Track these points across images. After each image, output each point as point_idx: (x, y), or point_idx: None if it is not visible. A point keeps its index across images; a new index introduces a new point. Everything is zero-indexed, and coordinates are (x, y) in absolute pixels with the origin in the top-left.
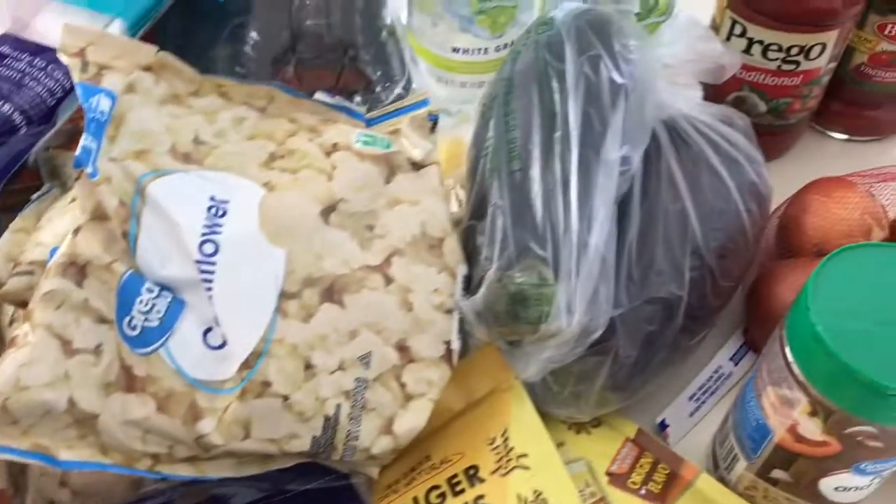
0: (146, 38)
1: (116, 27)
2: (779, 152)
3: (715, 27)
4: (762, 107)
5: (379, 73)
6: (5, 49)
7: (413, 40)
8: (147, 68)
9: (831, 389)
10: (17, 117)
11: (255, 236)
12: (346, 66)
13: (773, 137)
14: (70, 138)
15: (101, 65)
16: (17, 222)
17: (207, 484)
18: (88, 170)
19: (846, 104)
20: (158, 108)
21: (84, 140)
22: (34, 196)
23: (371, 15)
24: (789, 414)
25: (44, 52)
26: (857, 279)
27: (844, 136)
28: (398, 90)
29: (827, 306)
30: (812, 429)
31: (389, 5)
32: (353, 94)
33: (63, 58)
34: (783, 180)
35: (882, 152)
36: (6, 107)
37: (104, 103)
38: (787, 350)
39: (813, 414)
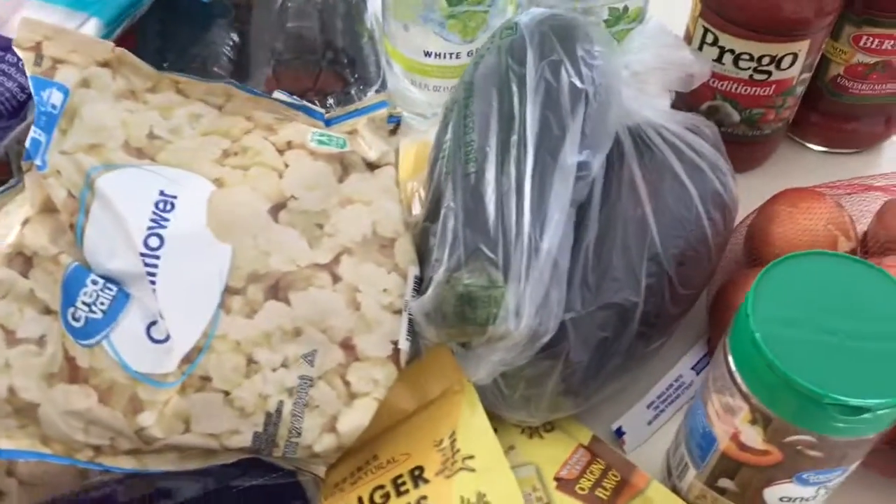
0: (124, 38)
1: (92, 26)
2: (755, 163)
3: (688, 36)
4: (735, 116)
5: (356, 76)
6: None
7: (388, 44)
8: (104, 64)
9: (769, 398)
10: None
11: (201, 231)
12: (325, 68)
13: (749, 148)
14: None
15: (55, 59)
16: None
17: (151, 477)
18: (37, 162)
19: (824, 116)
20: (114, 104)
21: (33, 132)
22: (0, 188)
23: (351, 19)
24: (732, 422)
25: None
26: (800, 288)
27: (823, 149)
28: (371, 93)
29: (767, 314)
30: (753, 437)
31: (370, 10)
32: (328, 96)
33: (18, 51)
34: (760, 191)
35: (861, 165)
36: None
37: (56, 97)
38: (730, 358)
39: (753, 422)
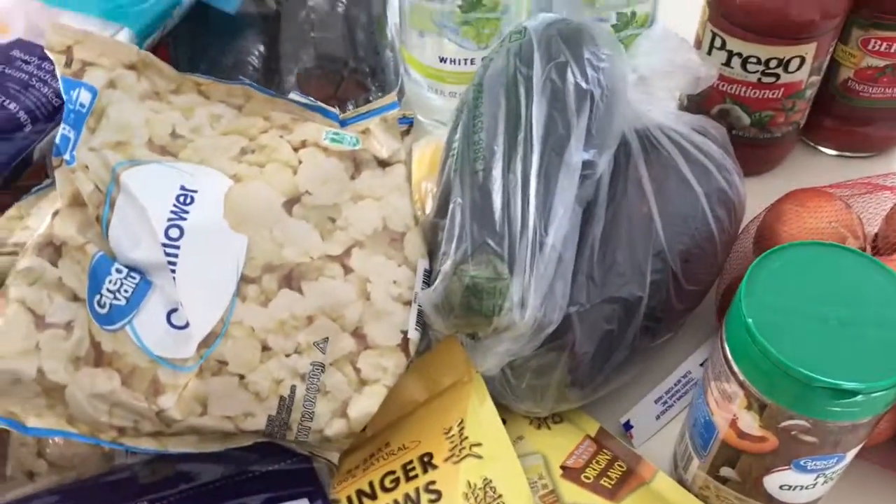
0: (157, 48)
1: (124, 36)
2: (768, 166)
3: (698, 41)
4: (745, 119)
5: (376, 84)
6: (16, 53)
7: (404, 51)
8: (130, 66)
9: (764, 383)
10: (23, 116)
11: (219, 223)
12: (347, 77)
13: (761, 150)
14: None
15: (84, 61)
16: (13, 210)
17: (172, 459)
18: (66, 157)
19: (836, 120)
20: (139, 104)
21: (63, 129)
22: (35, 188)
23: (373, 30)
24: (730, 408)
25: None
26: (793, 276)
27: (836, 152)
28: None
29: (761, 301)
30: (750, 423)
31: (391, 21)
32: (347, 102)
33: (50, 54)
34: (773, 194)
35: (874, 168)
36: (12, 105)
37: (84, 96)
38: (726, 345)
39: (749, 408)
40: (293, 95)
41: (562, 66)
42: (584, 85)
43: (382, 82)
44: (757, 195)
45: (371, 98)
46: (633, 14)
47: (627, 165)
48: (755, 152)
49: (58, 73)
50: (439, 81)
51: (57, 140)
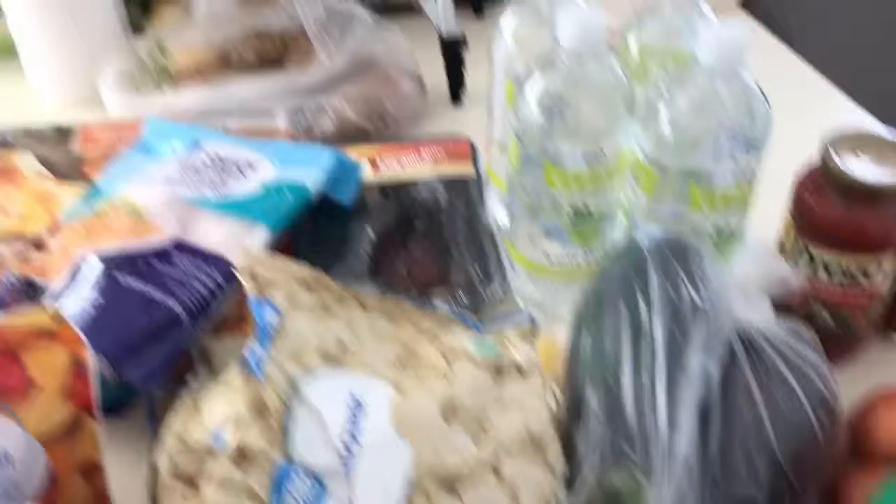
0: (282, 240)
1: (261, 233)
2: (849, 358)
3: (782, 247)
4: (829, 319)
5: (479, 272)
6: (173, 252)
7: (510, 245)
8: (303, 282)
9: None
10: (182, 312)
11: (388, 432)
12: (451, 263)
13: (842, 344)
14: (215, 326)
15: (268, 280)
16: (180, 404)
17: None
18: (255, 372)
19: None
20: (311, 317)
21: (252, 346)
22: (189, 379)
23: (473, 219)
24: None
25: (205, 255)
26: None
27: None
28: (497, 290)
29: None
30: None
31: (490, 210)
32: (457, 290)
33: (238, 274)
34: (850, 385)
35: None
36: (172, 303)
37: (270, 314)
38: None
39: None
40: (438, 303)
41: (676, 282)
42: (697, 300)
43: (486, 270)
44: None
45: (475, 285)
46: (729, 226)
47: (735, 371)
48: (837, 346)
49: (246, 293)
50: (543, 276)
51: (247, 355)
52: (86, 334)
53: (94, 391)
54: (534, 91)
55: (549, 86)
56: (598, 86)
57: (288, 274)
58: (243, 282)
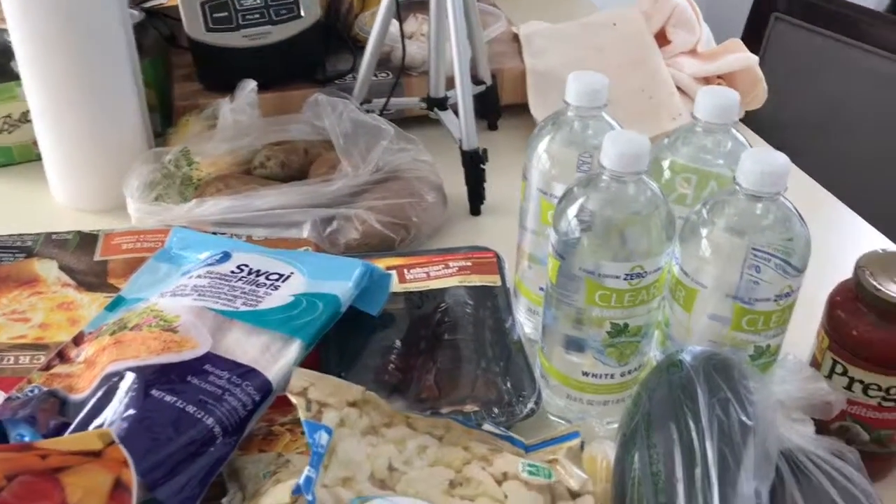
0: (315, 349)
1: (296, 347)
2: (885, 474)
3: (816, 364)
4: (865, 436)
5: (509, 385)
6: (208, 367)
7: (544, 360)
8: (353, 404)
9: None
10: (217, 429)
11: None
12: (479, 376)
13: (877, 462)
14: (243, 443)
15: (320, 402)
16: None
17: None
18: (308, 497)
19: None
20: (360, 439)
21: (307, 471)
22: (224, 500)
23: (500, 332)
24: None
25: (239, 369)
26: None
27: None
28: (531, 405)
29: None
30: None
31: (517, 321)
32: (492, 407)
33: (291, 397)
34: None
35: None
36: (208, 420)
37: (323, 438)
38: None
39: None
40: (486, 427)
41: (724, 402)
42: (747, 421)
43: (515, 383)
44: None
45: (511, 402)
46: (768, 346)
47: (783, 491)
48: (873, 463)
49: (300, 416)
50: (578, 391)
51: (301, 481)
52: None
53: None
54: (575, 210)
55: (591, 205)
56: (639, 207)
57: (340, 396)
58: (297, 404)
